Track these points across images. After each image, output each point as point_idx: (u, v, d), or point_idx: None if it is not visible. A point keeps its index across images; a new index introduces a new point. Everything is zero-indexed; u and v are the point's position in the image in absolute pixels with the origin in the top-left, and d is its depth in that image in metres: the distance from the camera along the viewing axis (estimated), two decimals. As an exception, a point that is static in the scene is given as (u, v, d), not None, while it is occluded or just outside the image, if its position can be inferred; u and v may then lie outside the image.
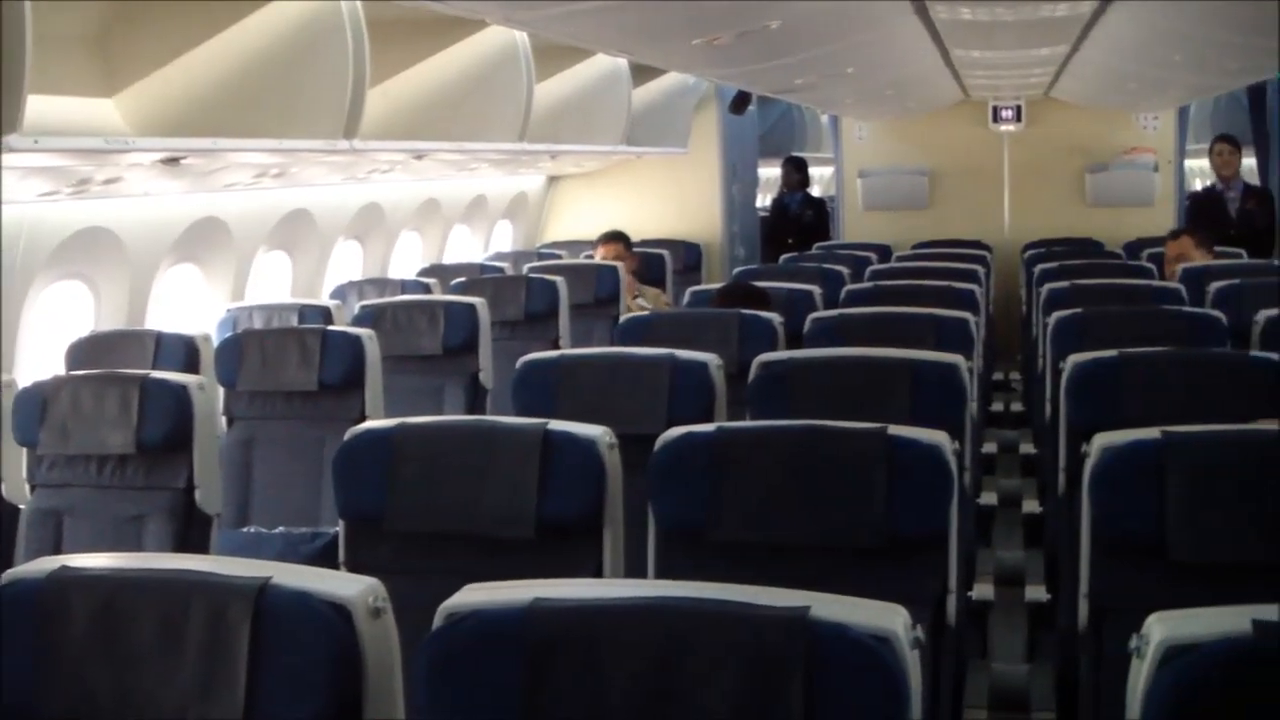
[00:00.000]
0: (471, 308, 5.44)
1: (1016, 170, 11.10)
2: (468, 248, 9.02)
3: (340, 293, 6.57)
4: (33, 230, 4.56)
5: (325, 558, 3.76)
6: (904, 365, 3.69)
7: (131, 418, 3.73)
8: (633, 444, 2.95)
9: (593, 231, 8.54)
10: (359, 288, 6.62)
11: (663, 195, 10.29)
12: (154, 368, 4.44)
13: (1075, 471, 3.29)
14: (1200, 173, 12.58)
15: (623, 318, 5.23)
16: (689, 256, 9.92)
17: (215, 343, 4.91)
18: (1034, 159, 11.03)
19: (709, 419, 3.57)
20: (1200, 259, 6.87)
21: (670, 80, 9.42)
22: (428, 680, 1.78)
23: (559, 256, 8.51)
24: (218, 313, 5.64)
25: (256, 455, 4.71)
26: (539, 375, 3.79)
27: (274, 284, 6.49)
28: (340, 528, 2.98)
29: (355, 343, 4.64)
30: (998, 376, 8.38)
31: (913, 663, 1.72)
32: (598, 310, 6.87)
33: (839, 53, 6.38)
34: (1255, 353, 4.37)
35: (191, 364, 4.67)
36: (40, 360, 4.73)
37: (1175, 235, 7.34)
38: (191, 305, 5.80)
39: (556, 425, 2.88)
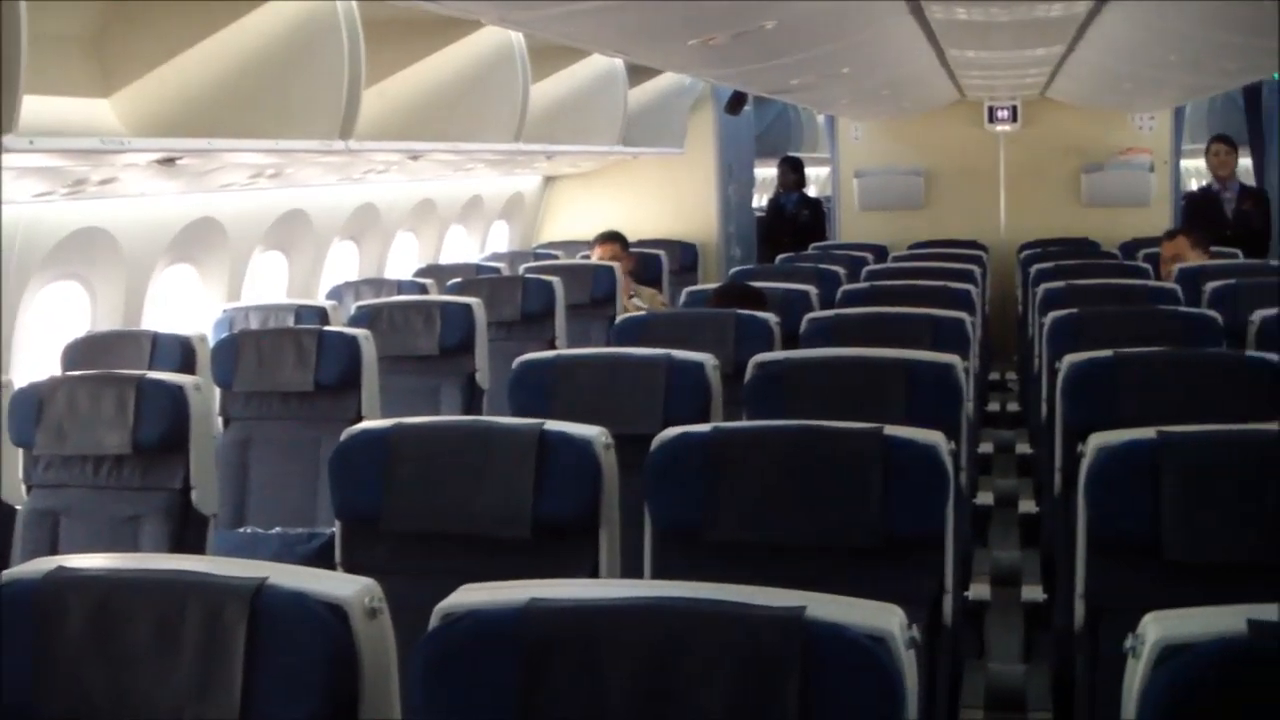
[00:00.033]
0: (468, 308, 5.44)
1: (1012, 170, 11.12)
2: (464, 248, 9.02)
3: (336, 293, 6.57)
4: (29, 231, 4.56)
5: (322, 558, 3.76)
6: (900, 365, 3.69)
7: (128, 418, 3.73)
8: (629, 444, 2.95)
9: (589, 232, 8.54)
10: (355, 288, 6.62)
11: (659, 195, 10.29)
12: (150, 368, 4.44)
13: (1071, 471, 3.30)
14: (1196, 173, 12.60)
15: (619, 318, 5.23)
16: (685, 257, 9.92)
17: (211, 343, 4.90)
18: (1030, 159, 11.04)
19: (705, 419, 3.58)
20: (1195, 259, 6.88)
21: (666, 80, 9.42)
22: (424, 680, 1.78)
23: (555, 257, 8.52)
24: (214, 313, 5.64)
25: (253, 456, 4.71)
26: (535, 375, 3.79)
27: (270, 284, 6.49)
28: (336, 528, 2.98)
29: (351, 343, 4.63)
30: (994, 376, 8.39)
31: (908, 662, 1.72)
32: (594, 310, 6.87)
33: (834, 53, 6.38)
34: (1251, 353, 4.38)
35: (188, 364, 4.67)
36: (36, 361, 4.73)
37: (1171, 235, 7.36)
38: (187, 306, 5.79)
39: (552, 425, 2.88)
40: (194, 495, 3.77)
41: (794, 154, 13.18)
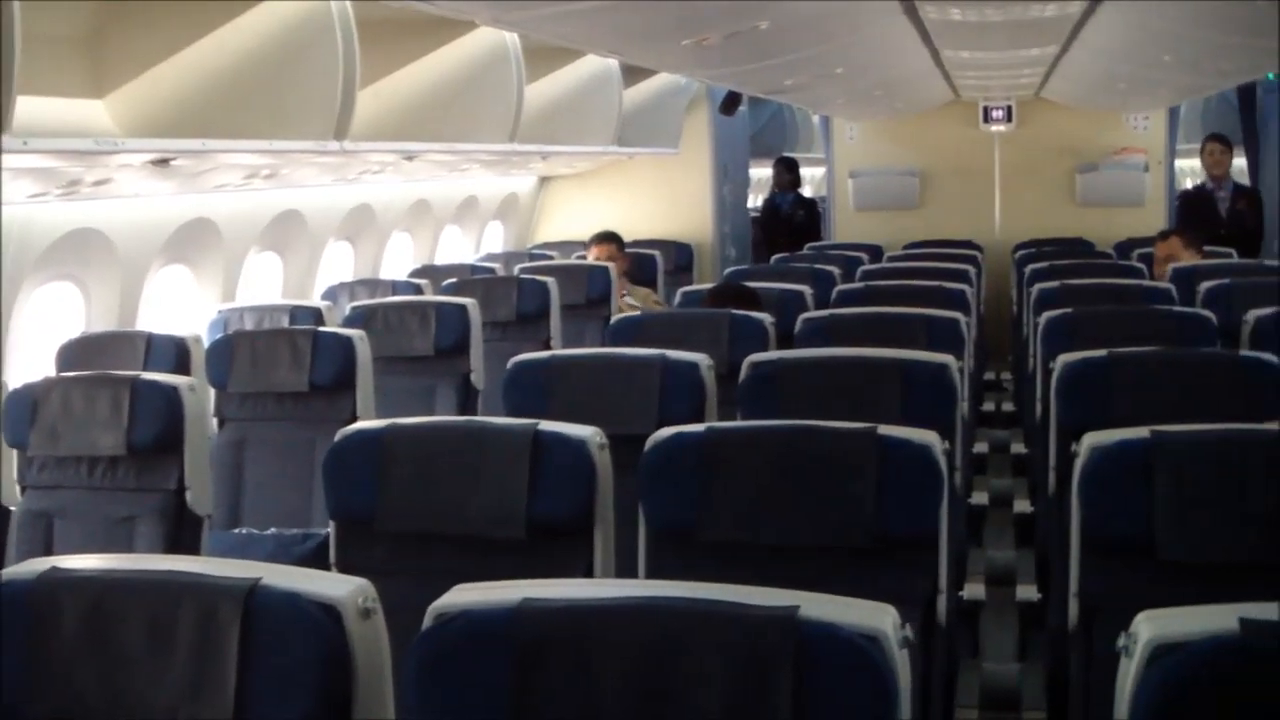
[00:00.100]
0: (463, 308, 5.44)
1: (1007, 170, 11.13)
2: (459, 248, 9.01)
3: (331, 294, 6.56)
4: (23, 232, 4.56)
5: (316, 559, 3.76)
6: (895, 365, 3.69)
7: (122, 419, 3.72)
8: (623, 444, 2.95)
9: (584, 232, 8.54)
10: (350, 289, 6.61)
11: (654, 196, 10.29)
12: (145, 369, 4.43)
13: (1065, 471, 3.30)
14: (1191, 173, 12.62)
15: (614, 318, 5.23)
16: (680, 257, 9.92)
17: (206, 344, 4.90)
18: (1025, 159, 11.05)
19: (700, 419, 3.58)
20: (1189, 259, 6.90)
21: (661, 81, 9.42)
22: (417, 681, 1.78)
23: (550, 257, 8.51)
24: (209, 314, 5.63)
25: (247, 456, 4.71)
26: (530, 376, 3.79)
27: (265, 285, 6.48)
28: (331, 529, 2.98)
29: (346, 344, 4.63)
30: (989, 376, 8.39)
31: (902, 662, 1.72)
32: (589, 311, 6.87)
33: (829, 53, 6.39)
34: (1245, 352, 4.38)
35: (182, 365, 4.66)
36: (31, 361, 4.73)
37: (1164, 236, 7.38)
38: (182, 306, 5.79)
39: (547, 426, 2.88)
40: (189, 496, 3.76)
41: (789, 154, 13.19)
